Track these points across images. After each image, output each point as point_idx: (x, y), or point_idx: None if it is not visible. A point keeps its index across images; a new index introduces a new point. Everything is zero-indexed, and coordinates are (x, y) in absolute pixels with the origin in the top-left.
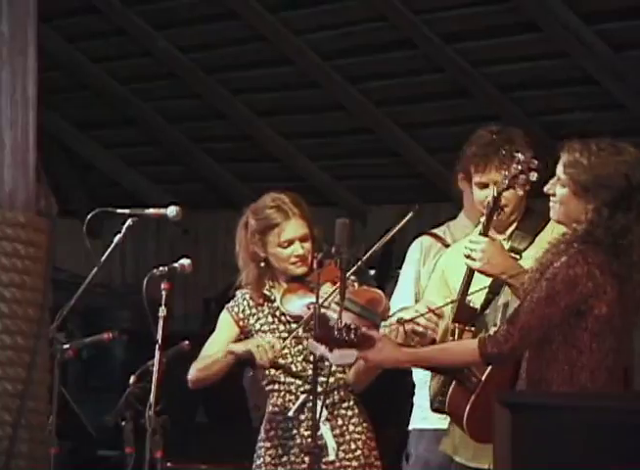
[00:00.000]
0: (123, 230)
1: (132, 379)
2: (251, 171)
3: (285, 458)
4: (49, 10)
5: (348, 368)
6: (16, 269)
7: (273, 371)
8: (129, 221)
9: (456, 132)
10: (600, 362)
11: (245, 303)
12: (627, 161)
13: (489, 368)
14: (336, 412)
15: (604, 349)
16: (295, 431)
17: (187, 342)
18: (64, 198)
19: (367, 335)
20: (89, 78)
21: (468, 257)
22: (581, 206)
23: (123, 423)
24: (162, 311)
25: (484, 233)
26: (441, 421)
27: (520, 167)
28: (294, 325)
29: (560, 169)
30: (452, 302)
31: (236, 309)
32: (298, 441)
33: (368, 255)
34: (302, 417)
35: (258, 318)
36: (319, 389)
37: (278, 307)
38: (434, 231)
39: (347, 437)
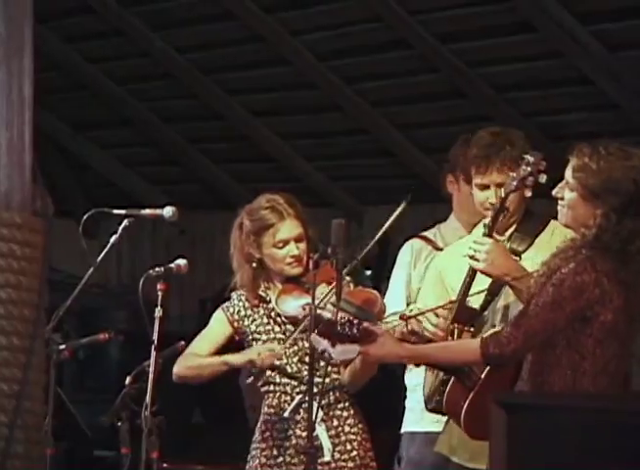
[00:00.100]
0: (119, 231)
1: (128, 379)
2: (248, 172)
3: (280, 459)
4: (45, 10)
5: (344, 368)
6: (12, 270)
7: (269, 372)
8: (125, 222)
9: (452, 133)
10: (602, 368)
11: (240, 304)
12: (636, 166)
13: (489, 367)
14: (331, 413)
15: (607, 355)
16: (290, 432)
17: (183, 342)
18: (60, 198)
19: (369, 330)
20: (85, 79)
21: (472, 257)
22: (590, 210)
23: (119, 423)
24: (158, 312)
25: (489, 234)
26: (433, 424)
27: (529, 169)
28: (289, 326)
29: (568, 173)
30: (452, 302)
31: (231, 310)
32: (294, 441)
33: (365, 251)
34: (298, 418)
35: (254, 320)
36: (315, 390)
37: (273, 308)
38: (425, 234)
39: (343, 437)
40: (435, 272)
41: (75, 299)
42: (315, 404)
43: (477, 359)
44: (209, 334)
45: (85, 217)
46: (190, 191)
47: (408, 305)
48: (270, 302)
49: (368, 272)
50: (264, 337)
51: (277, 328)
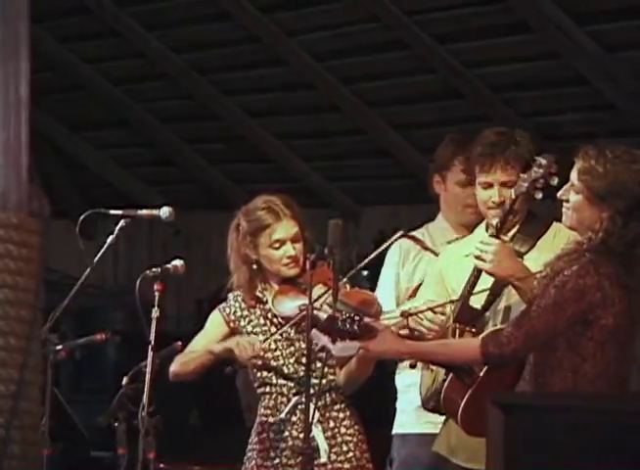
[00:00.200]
0: (116, 231)
1: (125, 380)
2: (244, 172)
3: (277, 460)
4: (41, 10)
5: (339, 369)
6: (8, 270)
7: (265, 373)
8: (122, 222)
9: (449, 133)
10: (603, 371)
11: (236, 304)
12: None
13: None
14: (327, 414)
15: (607, 358)
16: (286, 433)
17: (180, 342)
18: (56, 199)
19: (370, 326)
20: (82, 79)
21: (478, 257)
22: (595, 214)
23: (116, 424)
24: (155, 312)
25: (497, 235)
26: (425, 426)
27: (541, 171)
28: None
29: (574, 176)
30: (453, 301)
31: (227, 310)
32: (290, 443)
33: (355, 269)
34: (294, 419)
35: (250, 320)
36: (311, 391)
37: (270, 309)
38: (413, 233)
39: (339, 439)
40: (436, 271)
41: (72, 299)
42: (312, 406)
43: (476, 358)
44: (206, 334)
45: (82, 218)
46: (186, 191)
47: (398, 305)
48: (267, 302)
49: (365, 273)
50: (261, 337)
51: (273, 329)
